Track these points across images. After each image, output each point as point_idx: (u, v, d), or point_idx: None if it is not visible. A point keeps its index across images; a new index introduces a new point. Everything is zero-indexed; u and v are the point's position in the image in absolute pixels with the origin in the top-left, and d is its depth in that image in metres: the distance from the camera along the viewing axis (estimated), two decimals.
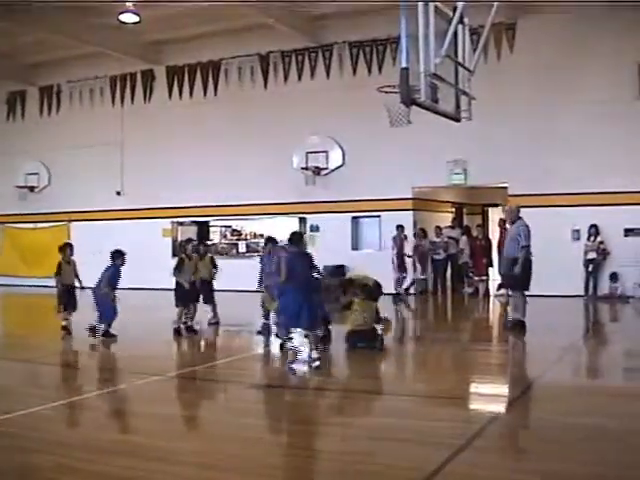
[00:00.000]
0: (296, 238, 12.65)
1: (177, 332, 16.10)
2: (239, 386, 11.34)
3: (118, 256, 16.43)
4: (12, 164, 32.07)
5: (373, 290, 14.54)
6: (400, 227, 24.53)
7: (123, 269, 16.33)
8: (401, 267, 24.46)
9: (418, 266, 24.94)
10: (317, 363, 11.88)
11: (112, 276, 16.22)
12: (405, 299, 23.88)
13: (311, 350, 11.96)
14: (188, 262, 16.73)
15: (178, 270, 16.54)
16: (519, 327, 15.85)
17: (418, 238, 25.15)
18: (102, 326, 15.84)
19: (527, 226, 15.96)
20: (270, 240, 15.93)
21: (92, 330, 15.80)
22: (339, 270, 23.46)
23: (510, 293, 16.64)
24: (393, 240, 24.59)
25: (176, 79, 29.10)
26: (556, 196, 22.90)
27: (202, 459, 7.41)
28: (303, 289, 12.11)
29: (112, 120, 30.04)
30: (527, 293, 16.20)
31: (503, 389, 11.04)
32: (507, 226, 16.96)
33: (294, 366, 11.83)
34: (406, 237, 24.75)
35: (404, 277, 24.63)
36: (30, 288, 29.92)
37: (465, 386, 11.19)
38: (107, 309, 16.03)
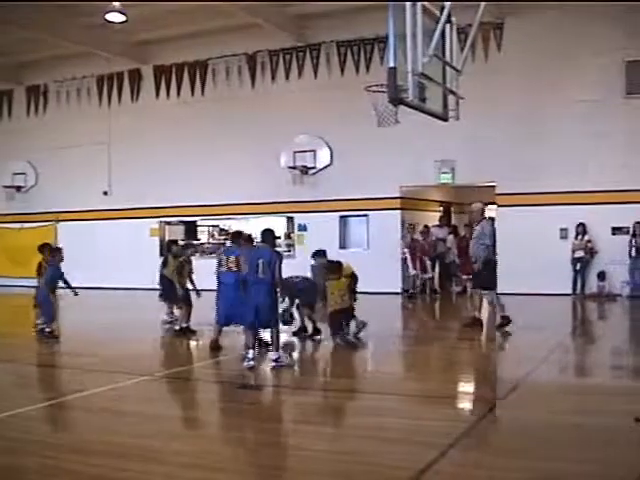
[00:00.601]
0: (266, 235, 12.73)
1: (182, 331, 16.18)
2: (228, 386, 11.33)
3: (56, 253, 16.51)
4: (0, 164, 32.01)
5: (335, 266, 14.94)
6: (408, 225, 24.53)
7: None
8: (418, 266, 24.57)
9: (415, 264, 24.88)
10: (273, 364, 12.06)
11: (51, 276, 16.16)
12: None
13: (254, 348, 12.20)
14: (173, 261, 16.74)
15: (178, 272, 16.60)
16: (505, 323, 16.08)
17: (421, 235, 25.34)
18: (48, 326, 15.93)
19: (491, 226, 16.38)
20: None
21: (41, 332, 15.93)
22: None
23: (482, 293, 16.74)
24: (403, 239, 24.70)
25: (163, 79, 29.04)
26: (544, 195, 22.96)
27: (190, 459, 7.39)
28: (259, 286, 12.11)
29: (99, 120, 29.97)
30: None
31: (491, 388, 11.05)
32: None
33: (245, 363, 12.03)
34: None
35: (429, 277, 24.62)
36: (17, 289, 29.82)
37: (453, 385, 11.21)
38: (48, 309, 16.11)
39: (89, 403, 10.01)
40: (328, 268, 15.04)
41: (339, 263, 15.14)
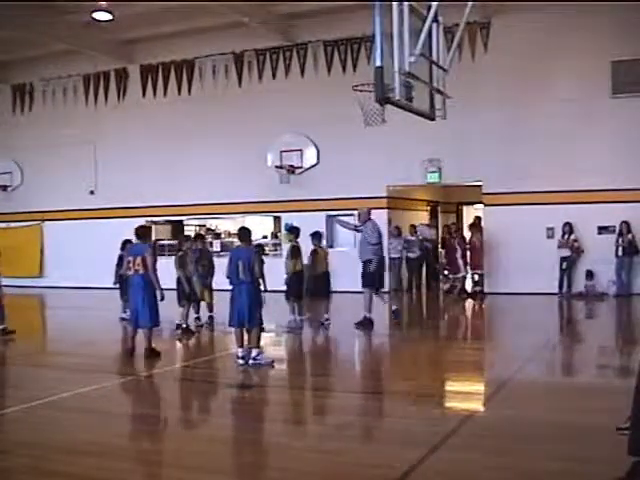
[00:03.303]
0: (242, 234, 12.86)
1: (188, 331, 16.21)
2: (214, 385, 11.33)
3: None
4: None
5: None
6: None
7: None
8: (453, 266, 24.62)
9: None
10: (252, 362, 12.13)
11: None
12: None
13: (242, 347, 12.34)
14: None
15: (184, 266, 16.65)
16: (367, 324, 16.42)
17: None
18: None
19: (376, 226, 16.98)
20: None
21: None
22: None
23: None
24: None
25: (150, 78, 28.97)
26: (530, 194, 23.00)
27: (176, 459, 7.40)
28: (241, 287, 12.22)
29: (86, 119, 29.89)
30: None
31: (478, 387, 11.09)
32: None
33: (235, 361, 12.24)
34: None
35: (462, 276, 24.63)
36: (3, 288, 29.72)
37: (440, 384, 11.24)
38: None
39: (75, 403, 9.98)
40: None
41: None
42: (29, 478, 6.90)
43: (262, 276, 12.50)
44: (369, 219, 17.06)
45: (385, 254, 17.19)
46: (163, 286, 13.20)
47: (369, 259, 16.67)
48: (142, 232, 13.57)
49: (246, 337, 12.29)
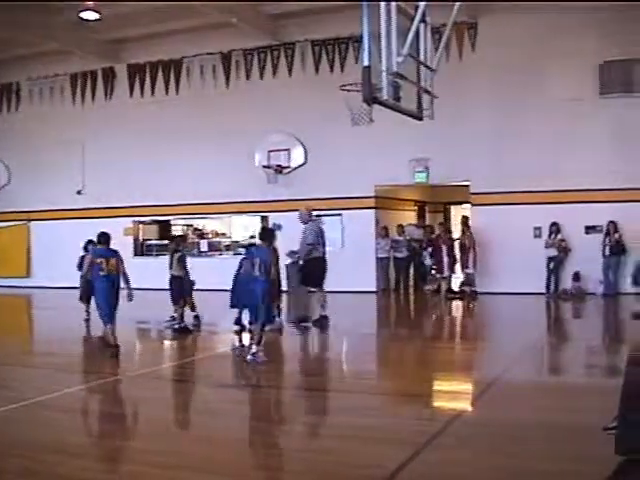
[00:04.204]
0: (265, 235, 13.26)
1: (186, 330, 16.16)
2: (205, 385, 11.33)
3: None
4: None
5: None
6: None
7: None
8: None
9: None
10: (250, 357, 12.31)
11: None
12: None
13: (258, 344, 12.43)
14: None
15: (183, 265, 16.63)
16: (323, 321, 16.76)
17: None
18: None
19: (318, 227, 17.30)
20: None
21: None
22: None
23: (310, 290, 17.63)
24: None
25: (137, 77, 28.93)
26: (518, 194, 23.04)
27: (167, 459, 7.38)
28: (255, 284, 12.47)
29: (73, 118, 29.82)
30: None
31: (465, 387, 11.10)
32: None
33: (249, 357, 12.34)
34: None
35: (449, 276, 24.54)
36: None
37: (427, 384, 11.24)
38: None
39: (64, 403, 9.96)
40: None
41: None
42: (19, 479, 6.87)
43: (278, 276, 13.10)
44: (310, 219, 17.35)
45: (320, 254, 17.13)
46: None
47: (306, 258, 17.05)
48: (106, 239, 13.69)
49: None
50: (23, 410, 9.39)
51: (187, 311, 16.97)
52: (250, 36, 26.13)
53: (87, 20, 23.96)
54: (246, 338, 13.59)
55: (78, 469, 7.08)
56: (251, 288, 12.55)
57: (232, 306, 14.88)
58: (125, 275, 13.48)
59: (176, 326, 16.22)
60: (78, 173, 29.77)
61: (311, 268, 17.06)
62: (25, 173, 30.83)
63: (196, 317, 17.33)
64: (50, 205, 30.10)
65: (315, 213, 25.43)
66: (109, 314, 13.31)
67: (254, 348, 12.36)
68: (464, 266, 23.91)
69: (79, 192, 29.88)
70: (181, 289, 16.45)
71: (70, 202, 29.79)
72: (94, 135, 29.40)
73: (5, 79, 31.62)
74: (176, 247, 17.21)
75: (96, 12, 23.34)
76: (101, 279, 13.42)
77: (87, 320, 17.38)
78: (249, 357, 12.29)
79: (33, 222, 30.63)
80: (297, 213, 17.96)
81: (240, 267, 13.96)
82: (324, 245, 17.22)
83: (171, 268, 16.60)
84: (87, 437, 8.35)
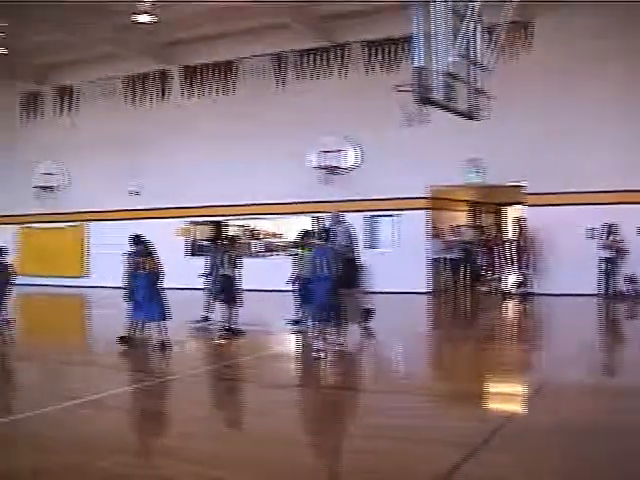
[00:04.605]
0: (323, 236, 13.96)
1: (235, 331, 16.24)
2: (256, 385, 11.37)
3: None
4: (30, 164, 32.19)
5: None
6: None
7: None
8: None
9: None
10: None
11: None
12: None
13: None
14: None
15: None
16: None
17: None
18: None
19: (348, 229, 16.98)
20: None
21: None
22: None
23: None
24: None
25: (191, 79, 29.15)
26: (572, 194, 22.80)
27: (216, 458, 7.43)
28: (319, 283, 13.25)
29: (128, 120, 30.13)
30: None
31: (518, 388, 11.01)
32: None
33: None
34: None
35: (502, 277, 24.39)
36: (47, 288, 30.09)
37: (480, 385, 11.18)
38: None
39: (115, 402, 10.07)
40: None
41: None
42: (69, 476, 6.96)
43: (337, 274, 13.35)
44: (339, 221, 17.26)
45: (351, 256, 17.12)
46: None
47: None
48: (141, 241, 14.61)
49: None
50: (76, 408, 9.51)
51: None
52: (303, 37, 26.19)
53: (142, 23, 24.15)
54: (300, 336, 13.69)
55: (126, 466, 7.19)
56: (316, 287, 13.34)
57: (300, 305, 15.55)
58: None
59: (227, 326, 16.26)
60: (133, 174, 30.06)
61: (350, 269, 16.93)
62: (82, 174, 31.23)
63: (205, 318, 17.44)
64: (106, 206, 30.46)
65: (369, 214, 25.69)
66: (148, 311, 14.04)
67: (338, 340, 13.34)
68: (519, 267, 23.72)
69: (135, 193, 30.17)
70: (234, 289, 16.51)
71: (125, 203, 30.11)
72: (149, 136, 29.68)
73: (62, 82, 32.05)
74: (229, 247, 17.29)
75: (151, 15, 23.52)
76: (141, 278, 14.08)
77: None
78: (336, 347, 13.21)
79: (90, 222, 30.97)
80: (327, 215, 18.06)
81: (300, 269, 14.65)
82: (355, 247, 17.10)
83: (222, 268, 16.65)
84: (137, 435, 8.43)
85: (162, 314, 14.19)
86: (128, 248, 14.72)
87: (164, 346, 13.84)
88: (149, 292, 14.19)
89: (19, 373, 12.83)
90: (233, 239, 18.32)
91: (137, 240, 14.58)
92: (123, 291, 14.54)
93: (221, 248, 17.53)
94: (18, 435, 8.37)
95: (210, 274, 17.23)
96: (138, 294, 14.27)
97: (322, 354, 12.93)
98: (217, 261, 17.02)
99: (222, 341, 15.69)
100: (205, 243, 28.40)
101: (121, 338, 14.29)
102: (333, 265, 13.26)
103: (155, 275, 14.38)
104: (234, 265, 16.58)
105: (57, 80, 32.22)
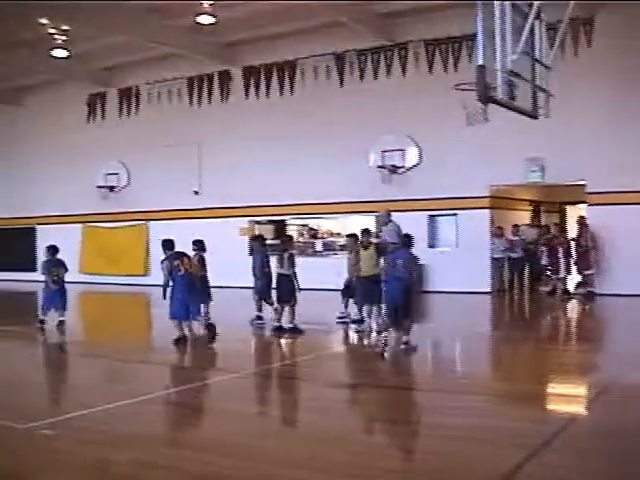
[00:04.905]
0: (406, 240, 14.15)
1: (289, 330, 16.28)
2: (318, 384, 11.39)
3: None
4: (93, 164, 32.61)
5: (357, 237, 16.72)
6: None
7: None
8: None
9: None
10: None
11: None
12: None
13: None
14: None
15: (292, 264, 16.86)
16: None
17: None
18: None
19: (397, 229, 17.53)
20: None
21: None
22: None
23: None
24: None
25: (252, 79, 29.31)
26: (634, 193, 22.47)
27: (280, 457, 7.46)
28: (396, 283, 13.60)
29: (190, 120, 30.39)
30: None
31: (580, 390, 10.90)
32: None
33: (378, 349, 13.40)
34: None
35: (564, 277, 24.18)
36: (109, 286, 30.46)
37: (541, 385, 11.08)
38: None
39: (182, 399, 10.18)
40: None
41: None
42: (134, 471, 7.05)
43: (416, 276, 13.98)
44: (390, 221, 17.84)
45: None
46: None
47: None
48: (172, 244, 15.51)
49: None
50: (138, 405, 9.61)
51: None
52: (363, 36, 26.17)
53: (203, 24, 24.34)
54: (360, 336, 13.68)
55: (187, 461, 7.25)
56: (390, 287, 13.79)
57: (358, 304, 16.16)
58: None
59: (286, 326, 16.31)
60: (195, 174, 30.33)
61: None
62: (144, 174, 31.57)
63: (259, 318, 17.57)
64: (168, 205, 30.76)
65: (430, 213, 25.59)
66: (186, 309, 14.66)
67: (404, 338, 13.52)
68: (582, 267, 23.46)
69: (196, 192, 30.43)
70: (292, 287, 16.56)
71: (187, 202, 30.38)
72: (210, 136, 29.91)
73: (124, 83, 32.45)
74: (285, 247, 17.39)
75: (212, 16, 23.69)
76: (179, 278, 14.74)
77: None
78: (402, 346, 13.50)
79: (152, 222, 31.28)
80: (376, 214, 18.28)
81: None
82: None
83: (281, 267, 16.72)
84: (195, 431, 8.49)
85: (197, 312, 15.12)
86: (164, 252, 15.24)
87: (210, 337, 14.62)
88: (187, 292, 14.75)
89: (84, 370, 12.99)
90: (289, 238, 18.42)
91: (170, 244, 15.35)
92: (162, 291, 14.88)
93: (278, 247, 17.66)
94: (86, 430, 8.49)
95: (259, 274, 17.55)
96: (176, 294, 14.79)
97: (387, 353, 13.05)
98: (265, 260, 17.52)
99: (282, 340, 15.76)
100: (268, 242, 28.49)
101: (176, 340, 14.57)
102: (409, 266, 13.58)
103: (191, 275, 15.04)
104: (291, 264, 16.64)
105: (120, 81, 32.62)
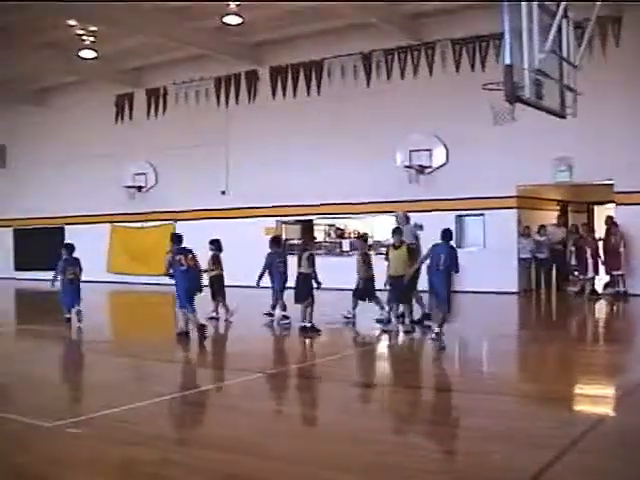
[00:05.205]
0: (445, 235, 14.80)
1: (313, 329, 16.30)
2: (340, 384, 11.39)
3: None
4: (121, 165, 32.84)
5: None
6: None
7: (231, 267, 17.69)
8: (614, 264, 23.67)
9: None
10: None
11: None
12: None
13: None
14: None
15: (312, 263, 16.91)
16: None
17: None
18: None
19: (415, 230, 17.98)
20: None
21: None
22: None
23: None
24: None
25: (279, 79, 29.35)
26: None
27: (302, 456, 7.47)
28: (439, 274, 14.42)
29: (217, 120, 30.49)
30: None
31: (608, 391, 10.83)
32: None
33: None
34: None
35: (592, 277, 24.07)
36: (137, 286, 30.60)
37: (569, 386, 11.02)
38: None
39: (205, 399, 10.21)
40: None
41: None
42: (158, 469, 7.07)
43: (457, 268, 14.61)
44: (407, 222, 18.07)
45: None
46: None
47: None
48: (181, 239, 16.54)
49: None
50: (162, 404, 9.65)
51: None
52: (390, 36, 26.15)
53: (230, 25, 24.42)
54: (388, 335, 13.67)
55: (213, 461, 7.28)
56: (436, 281, 14.44)
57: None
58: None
59: (304, 325, 16.31)
60: (222, 174, 30.45)
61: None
62: (171, 174, 31.73)
63: (285, 317, 17.69)
64: (195, 205, 30.88)
65: (457, 213, 25.51)
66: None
67: (437, 329, 14.35)
68: (612, 267, 23.31)
69: (223, 192, 30.53)
70: (309, 287, 16.58)
71: (214, 202, 30.48)
72: (238, 136, 30.00)
73: (152, 84, 32.59)
74: (305, 246, 17.44)
75: (239, 16, 23.76)
76: (180, 272, 15.53)
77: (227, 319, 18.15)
78: (433, 336, 14.33)
79: (179, 222, 31.38)
80: (394, 214, 18.48)
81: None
82: (420, 246, 17.38)
83: (300, 266, 16.74)
84: (219, 431, 8.50)
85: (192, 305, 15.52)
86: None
87: (202, 332, 15.08)
88: (189, 285, 15.53)
89: (109, 369, 13.04)
90: (309, 238, 18.52)
91: (178, 239, 16.25)
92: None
93: (298, 247, 17.78)
94: (110, 428, 8.54)
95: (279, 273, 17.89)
96: (178, 289, 15.67)
97: (443, 344, 13.96)
98: (279, 261, 17.91)
99: (306, 339, 15.79)
100: (295, 242, 28.50)
101: (178, 334, 15.35)
102: (451, 259, 14.35)
103: (194, 271, 15.78)
104: (311, 264, 16.67)
105: (148, 82, 32.76)
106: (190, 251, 15.81)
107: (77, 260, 18.35)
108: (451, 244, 14.89)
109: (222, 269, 18.65)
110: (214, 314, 18.41)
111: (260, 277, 17.97)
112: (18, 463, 7.32)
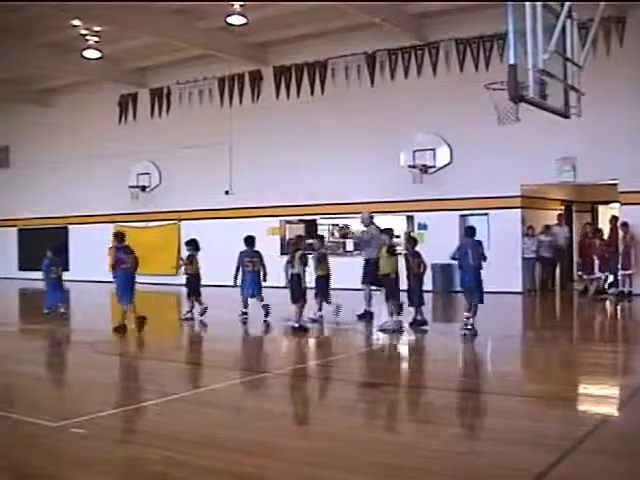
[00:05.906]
0: (469, 231, 15.88)
1: (302, 329, 16.33)
2: (346, 384, 11.39)
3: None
4: (125, 164, 32.85)
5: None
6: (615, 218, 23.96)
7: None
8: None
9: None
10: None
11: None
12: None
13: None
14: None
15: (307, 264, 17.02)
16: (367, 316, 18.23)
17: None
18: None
19: (377, 230, 18.18)
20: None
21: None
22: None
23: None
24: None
25: (283, 79, 29.36)
26: None
27: (310, 456, 7.47)
28: (469, 269, 15.41)
29: (221, 120, 30.49)
30: None
31: (612, 391, 10.82)
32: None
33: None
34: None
35: (597, 277, 24.07)
36: (141, 285, 30.57)
37: (573, 387, 11.02)
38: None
39: (209, 398, 10.20)
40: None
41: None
42: (162, 468, 7.08)
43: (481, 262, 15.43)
44: (371, 223, 18.83)
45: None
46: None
47: (371, 258, 17.81)
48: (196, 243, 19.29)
49: None
50: (169, 404, 9.66)
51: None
52: (394, 36, 26.14)
53: (234, 25, 24.44)
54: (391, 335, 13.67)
55: (220, 461, 7.29)
56: (466, 274, 15.47)
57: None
58: None
59: (295, 325, 16.34)
60: (226, 174, 30.43)
61: (372, 268, 17.61)
62: (175, 174, 31.76)
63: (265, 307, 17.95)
64: (199, 205, 30.90)
65: (461, 213, 25.49)
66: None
67: (471, 320, 15.15)
68: (613, 266, 23.28)
69: (227, 192, 30.52)
70: (301, 287, 16.58)
71: (218, 202, 30.48)
72: (241, 136, 30.00)
73: (156, 84, 32.63)
74: (297, 245, 17.46)
75: (243, 16, 23.77)
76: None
77: (246, 316, 18.24)
78: (464, 331, 15.09)
79: (183, 221, 31.40)
80: (359, 215, 19.42)
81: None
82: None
83: (293, 267, 16.73)
84: (227, 431, 8.50)
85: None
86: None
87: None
88: (128, 285, 16.95)
89: (114, 369, 13.07)
90: (300, 237, 18.50)
91: (122, 237, 17.95)
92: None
93: (291, 247, 17.79)
94: (116, 428, 8.56)
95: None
96: (118, 287, 16.87)
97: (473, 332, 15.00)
98: (245, 260, 18.47)
99: (312, 339, 15.79)
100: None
101: (115, 329, 16.23)
102: (478, 253, 15.25)
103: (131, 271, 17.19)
104: (302, 263, 16.68)
105: (152, 82, 32.79)
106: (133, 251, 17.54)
107: (61, 261, 19.56)
108: (477, 239, 15.70)
109: (198, 268, 19.54)
110: (189, 315, 18.77)
111: (235, 276, 18.47)
112: (24, 462, 7.34)
